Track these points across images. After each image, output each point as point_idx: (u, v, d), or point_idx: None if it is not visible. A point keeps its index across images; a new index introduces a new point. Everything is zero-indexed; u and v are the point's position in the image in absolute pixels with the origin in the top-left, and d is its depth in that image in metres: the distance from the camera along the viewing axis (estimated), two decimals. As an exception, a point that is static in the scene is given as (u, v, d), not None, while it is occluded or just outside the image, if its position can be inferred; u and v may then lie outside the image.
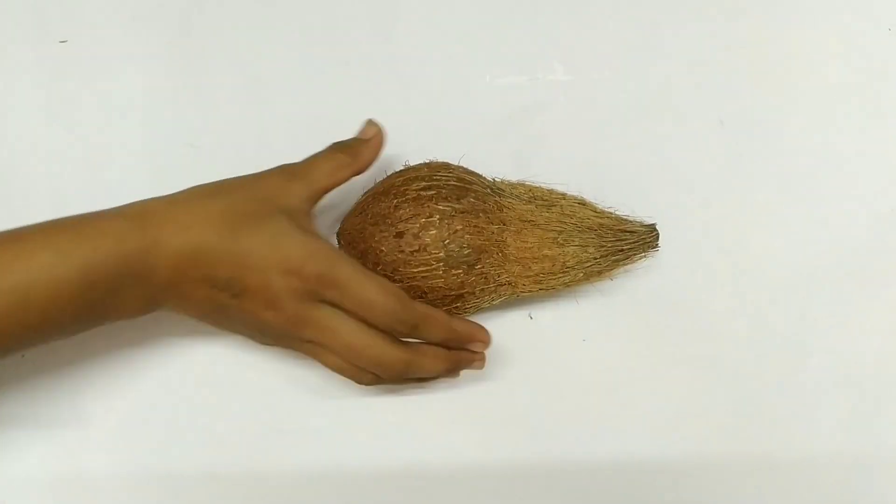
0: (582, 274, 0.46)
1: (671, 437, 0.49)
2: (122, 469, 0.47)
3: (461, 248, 0.43)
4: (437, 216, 0.43)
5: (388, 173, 0.46)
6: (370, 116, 0.48)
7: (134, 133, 0.50)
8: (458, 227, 0.43)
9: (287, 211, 0.40)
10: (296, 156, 0.46)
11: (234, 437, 0.48)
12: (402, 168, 0.46)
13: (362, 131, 0.46)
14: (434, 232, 0.43)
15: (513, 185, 0.47)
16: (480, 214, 0.44)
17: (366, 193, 0.45)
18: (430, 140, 0.48)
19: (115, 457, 0.47)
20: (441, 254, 0.43)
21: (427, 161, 0.47)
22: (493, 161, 0.48)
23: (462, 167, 0.46)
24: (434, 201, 0.43)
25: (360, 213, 0.44)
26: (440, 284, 0.43)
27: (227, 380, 0.48)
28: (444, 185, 0.44)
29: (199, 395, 0.48)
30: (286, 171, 0.43)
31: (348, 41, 0.51)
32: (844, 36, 0.52)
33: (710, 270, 0.50)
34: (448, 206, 0.43)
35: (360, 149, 0.45)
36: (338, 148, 0.45)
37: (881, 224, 0.51)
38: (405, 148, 0.48)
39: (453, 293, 0.44)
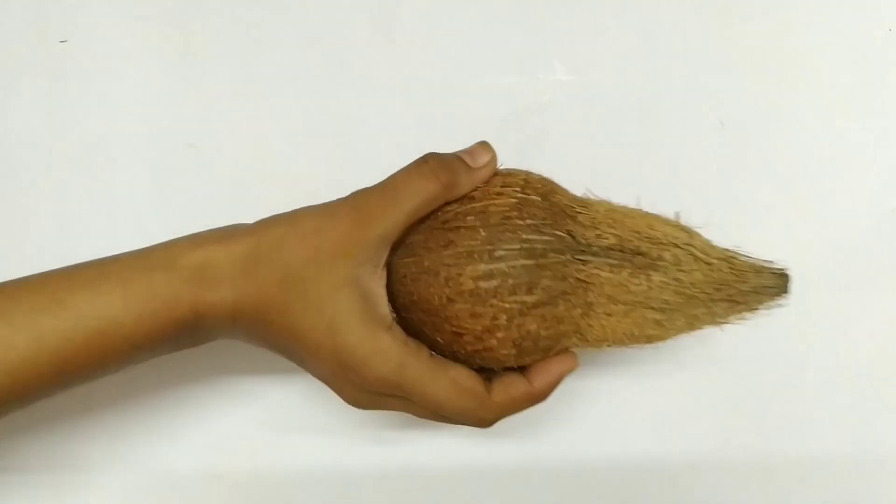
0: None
1: (671, 437, 0.49)
2: (123, 469, 0.47)
3: (536, 342, 0.35)
4: (504, 317, 0.33)
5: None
6: (370, 116, 0.48)
7: (134, 133, 0.50)
8: (532, 328, 0.34)
9: (351, 279, 0.34)
10: (295, 156, 0.46)
11: (234, 437, 0.48)
12: (440, 212, 0.36)
13: (474, 153, 0.37)
14: (501, 335, 0.34)
15: (596, 226, 0.36)
16: (559, 303, 0.34)
17: (401, 254, 0.36)
18: (431, 140, 0.48)
19: (115, 457, 0.47)
20: (512, 351, 0.35)
21: (478, 204, 0.36)
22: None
23: (527, 210, 0.35)
24: (498, 297, 0.33)
25: (405, 292, 0.35)
26: (511, 367, 0.37)
27: (227, 380, 0.48)
28: (508, 269, 0.33)
29: (199, 395, 0.48)
30: (361, 213, 0.35)
31: (348, 41, 0.51)
32: (844, 36, 0.52)
33: (710, 270, 0.50)
34: (516, 304, 0.33)
35: (460, 178, 0.36)
36: (432, 173, 0.36)
37: (881, 224, 0.51)
38: (405, 148, 0.48)
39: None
